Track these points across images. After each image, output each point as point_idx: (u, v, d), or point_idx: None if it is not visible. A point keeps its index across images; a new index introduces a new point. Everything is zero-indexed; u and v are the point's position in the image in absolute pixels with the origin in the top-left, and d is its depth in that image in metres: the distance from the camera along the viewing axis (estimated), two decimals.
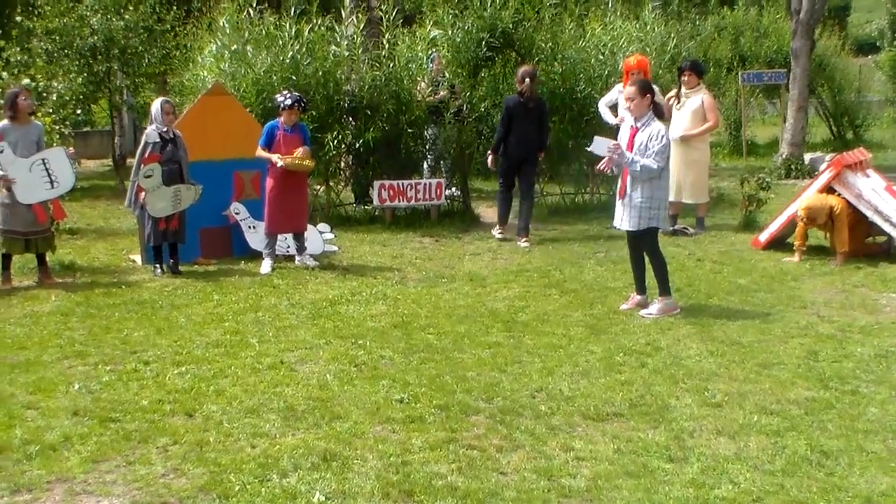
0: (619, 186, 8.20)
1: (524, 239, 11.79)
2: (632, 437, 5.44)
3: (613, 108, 12.59)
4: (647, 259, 8.38)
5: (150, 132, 9.89)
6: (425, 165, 14.05)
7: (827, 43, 24.64)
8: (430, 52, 13.79)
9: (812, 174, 17.19)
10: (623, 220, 8.19)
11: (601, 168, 8.29)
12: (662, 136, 7.94)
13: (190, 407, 5.93)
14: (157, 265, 9.95)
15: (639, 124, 8.05)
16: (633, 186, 8.02)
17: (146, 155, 9.80)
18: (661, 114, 8.40)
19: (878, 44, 49.11)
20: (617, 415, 5.80)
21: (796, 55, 18.47)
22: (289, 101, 10.12)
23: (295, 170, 10.06)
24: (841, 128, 24.85)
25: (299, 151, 10.03)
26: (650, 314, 8.15)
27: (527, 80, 11.75)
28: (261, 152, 10.11)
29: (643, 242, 8.29)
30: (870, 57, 40.90)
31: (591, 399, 6.06)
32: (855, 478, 4.90)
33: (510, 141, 11.83)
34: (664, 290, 8.29)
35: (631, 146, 8.01)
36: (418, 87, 13.45)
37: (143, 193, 9.73)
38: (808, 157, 18.97)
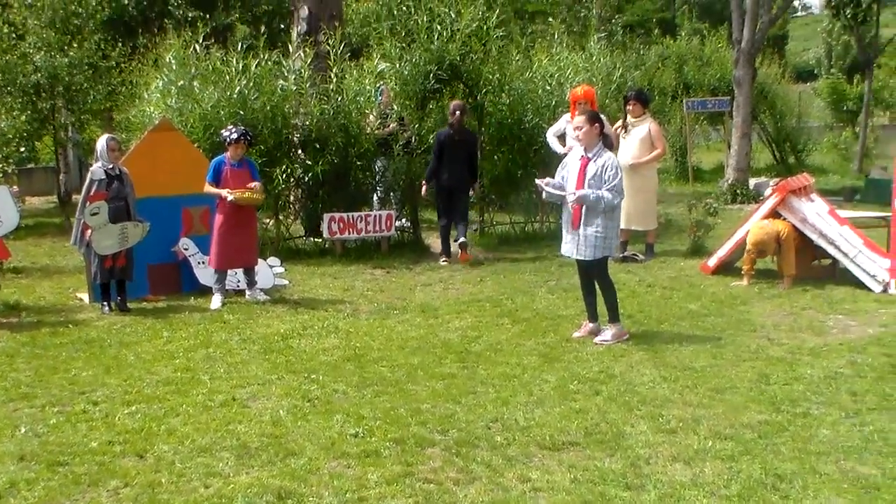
0: (569, 217, 8.19)
1: (444, 258, 12.46)
2: (588, 465, 5.43)
3: (561, 137, 12.70)
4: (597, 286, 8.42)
5: (96, 169, 9.78)
6: (375, 198, 14.04)
7: (768, 71, 25.07)
8: (378, 85, 13.81)
9: (757, 199, 17.46)
10: (576, 249, 8.19)
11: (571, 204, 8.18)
12: (617, 168, 8.01)
13: (141, 448, 5.82)
14: (105, 303, 9.81)
15: (589, 154, 8.08)
16: (588, 218, 8.03)
17: (92, 192, 9.68)
18: (611, 144, 8.49)
19: (815, 71, 50.17)
20: (573, 444, 5.79)
21: (739, 83, 18.78)
22: (234, 135, 10.08)
23: (244, 204, 10.00)
24: (783, 153, 25.29)
25: (253, 185, 9.98)
26: (605, 341, 8.17)
27: (457, 113, 12.41)
28: (209, 188, 10.04)
29: (595, 270, 8.32)
30: (808, 84, 41.74)
31: (546, 428, 6.04)
32: (809, 500, 4.93)
33: (442, 172, 12.48)
34: (615, 317, 8.33)
35: (582, 176, 8.04)
36: (367, 120, 13.46)
37: (90, 231, 9.60)
38: (752, 182, 19.27)
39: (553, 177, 8.40)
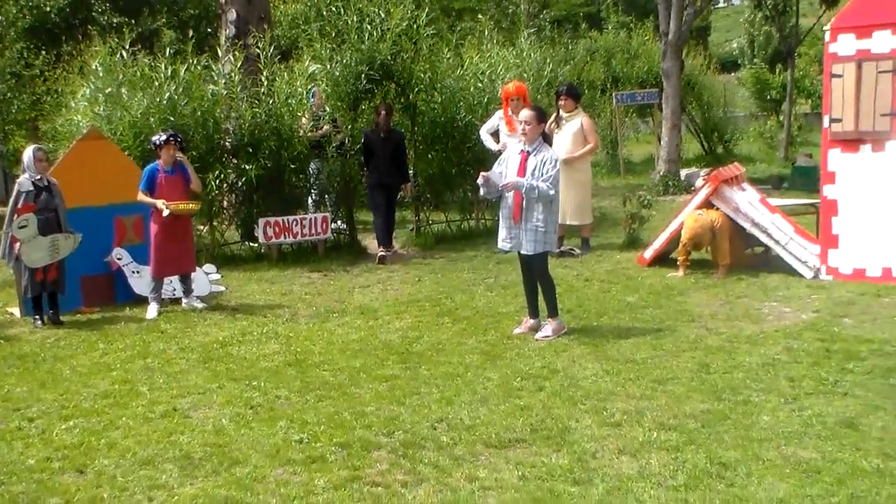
0: (510, 212, 8.23)
1: (381, 249, 12.65)
2: (535, 462, 5.45)
3: (495, 134, 12.74)
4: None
5: (24, 181, 9.58)
6: (310, 200, 13.95)
7: (693, 62, 25.41)
8: (310, 87, 13.72)
9: (688, 189, 17.70)
10: (519, 243, 8.23)
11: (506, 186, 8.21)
12: (556, 162, 8.12)
13: (81, 463, 5.71)
14: (37, 317, 9.62)
15: (530, 149, 8.16)
16: (530, 211, 8.09)
17: (20, 205, 9.47)
18: (549, 140, 8.58)
19: (738, 62, 50.95)
20: (519, 441, 5.81)
21: (667, 75, 19.01)
22: (163, 137, 9.95)
23: (180, 214, 9.88)
24: (711, 143, 25.67)
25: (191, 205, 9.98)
26: (546, 336, 8.21)
27: (382, 112, 12.61)
28: (143, 197, 9.88)
29: (536, 265, 8.36)
30: (732, 74, 42.43)
31: (492, 426, 6.05)
32: (754, 487, 4.99)
33: (371, 170, 12.88)
34: (554, 312, 8.39)
35: (523, 170, 8.11)
36: (300, 123, 13.36)
37: (18, 244, 9.40)
38: (683, 172, 19.52)
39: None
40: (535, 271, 8.42)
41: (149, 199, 9.86)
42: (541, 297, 8.46)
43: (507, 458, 5.55)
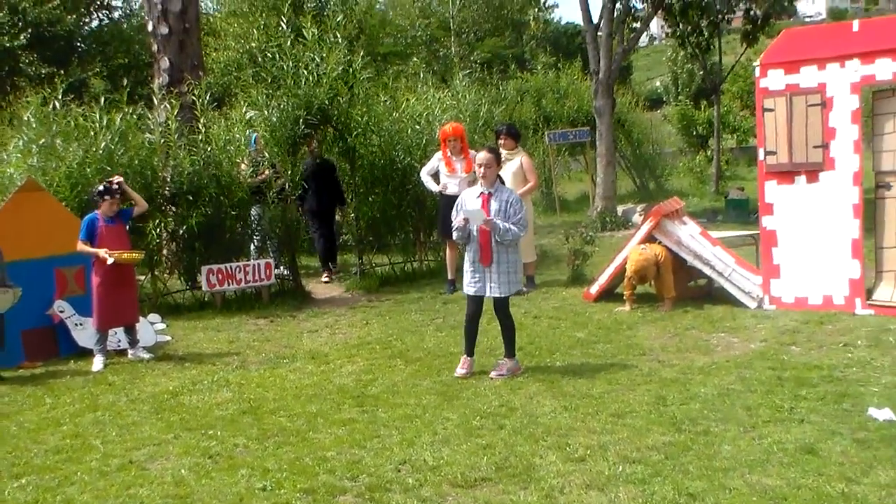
0: (476, 255, 8.24)
1: (326, 274, 14.20)
2: (504, 500, 5.44)
3: (434, 176, 12.78)
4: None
5: None
6: (252, 247, 13.87)
7: (622, 100, 25.83)
8: (250, 133, 13.66)
9: (626, 225, 17.93)
10: (488, 288, 8.23)
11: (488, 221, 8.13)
12: (521, 203, 8.24)
13: None
14: None
15: (490, 190, 8.23)
16: (501, 253, 8.14)
17: None
18: (502, 180, 8.69)
19: (663, 99, 51.96)
20: (485, 479, 5.79)
21: (600, 113, 19.28)
22: (100, 188, 9.83)
23: (123, 262, 9.75)
24: (644, 179, 26.03)
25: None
26: (501, 375, 8.21)
27: (313, 144, 14.09)
28: (83, 247, 9.72)
29: (503, 306, 8.38)
30: (657, 111, 43.22)
31: (456, 466, 6.03)
32: None
33: (309, 199, 14.09)
34: (512, 351, 8.42)
35: (486, 213, 8.13)
36: (239, 169, 13.29)
37: None
38: (620, 209, 19.77)
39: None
40: (500, 312, 8.40)
41: (90, 249, 9.70)
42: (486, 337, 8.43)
43: (475, 497, 5.53)
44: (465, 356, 8.51)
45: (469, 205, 8.27)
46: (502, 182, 8.51)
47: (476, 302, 8.40)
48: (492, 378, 8.19)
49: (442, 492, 5.65)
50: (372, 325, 11.09)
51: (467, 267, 8.36)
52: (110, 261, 9.57)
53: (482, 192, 8.27)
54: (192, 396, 8.31)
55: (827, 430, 6.29)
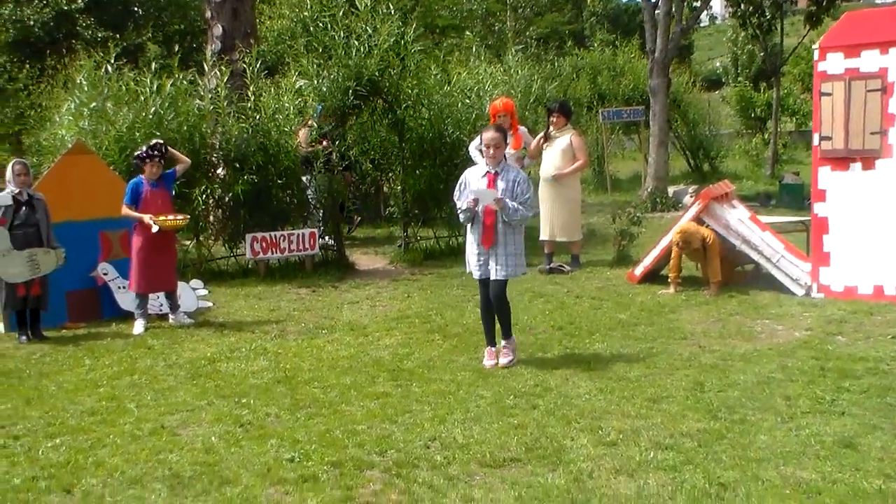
0: (479, 237, 7.84)
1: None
2: (531, 482, 5.36)
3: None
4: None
5: (3, 195, 9.44)
6: (320, 214, 13.87)
7: (679, 80, 25.46)
8: (318, 104, 13.58)
9: (676, 206, 17.69)
10: (493, 270, 7.81)
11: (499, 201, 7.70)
12: (528, 183, 7.85)
13: (67, 482, 5.58)
14: (22, 332, 9.48)
15: (497, 170, 7.81)
16: (508, 235, 7.77)
17: None
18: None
19: (722, 80, 51.23)
20: (514, 460, 5.72)
21: (654, 92, 19.04)
22: (144, 149, 9.86)
23: (168, 229, 9.80)
24: (698, 160, 25.67)
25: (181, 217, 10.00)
26: (511, 362, 7.90)
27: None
28: (128, 211, 9.78)
29: (504, 289, 7.96)
30: (716, 92, 42.64)
31: (486, 445, 5.96)
32: None
33: None
34: (510, 331, 8.08)
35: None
36: (298, 137, 13.29)
37: None
38: (671, 189, 19.52)
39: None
40: (498, 296, 7.93)
41: (135, 214, 9.76)
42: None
43: (502, 477, 5.45)
44: (488, 347, 8.11)
45: (475, 184, 7.83)
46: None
47: (485, 286, 7.98)
48: (503, 367, 7.84)
49: (469, 471, 5.58)
50: (413, 298, 11.05)
51: (472, 250, 7.95)
52: (155, 228, 9.61)
53: (488, 172, 7.84)
54: (229, 364, 8.32)
55: (868, 424, 6.11)
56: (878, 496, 5.01)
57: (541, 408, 6.69)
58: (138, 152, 10.00)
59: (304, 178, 13.54)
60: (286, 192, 13.37)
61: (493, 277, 7.85)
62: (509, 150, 12.17)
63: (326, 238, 13.76)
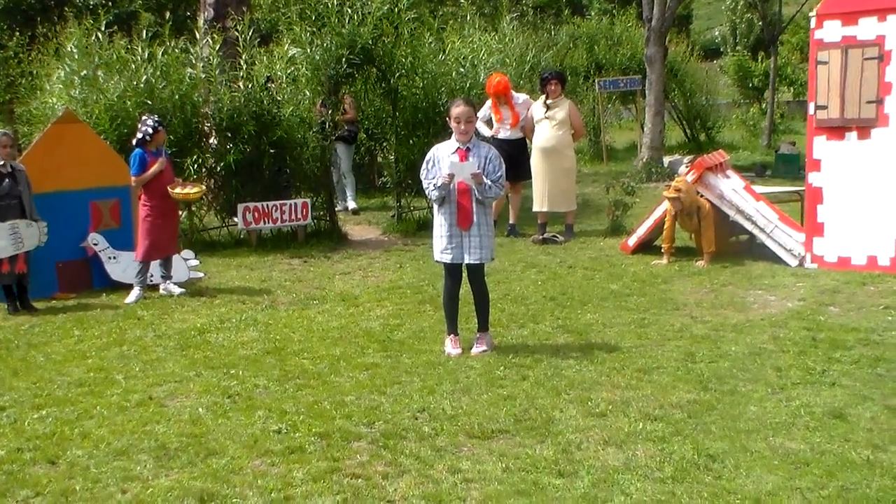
0: (453, 218, 7.32)
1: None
2: (519, 453, 5.32)
3: (488, 122, 12.65)
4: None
5: None
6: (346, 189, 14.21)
7: (676, 50, 25.31)
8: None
9: (671, 176, 17.59)
10: (468, 253, 7.34)
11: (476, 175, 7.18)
12: (500, 161, 7.41)
13: (53, 453, 5.54)
14: (10, 302, 9.42)
15: (469, 145, 7.33)
16: (481, 215, 7.32)
17: None
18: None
19: (721, 49, 50.99)
20: (502, 431, 5.68)
21: (651, 62, 18.91)
22: (151, 125, 9.77)
23: (190, 200, 9.87)
24: (694, 130, 25.56)
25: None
26: (483, 351, 7.41)
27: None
28: (142, 177, 9.71)
29: (481, 274, 7.57)
30: (714, 62, 42.43)
31: (474, 417, 5.92)
32: (742, 479, 4.88)
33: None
34: (487, 324, 7.64)
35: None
36: (318, 109, 13.23)
37: None
38: (666, 160, 19.45)
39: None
40: (477, 280, 7.53)
41: (149, 173, 9.66)
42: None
43: (490, 449, 5.42)
44: (450, 335, 7.60)
45: (447, 160, 7.28)
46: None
47: (455, 271, 7.52)
48: (473, 355, 7.38)
49: (457, 442, 5.54)
50: (405, 269, 11.00)
51: (442, 232, 7.39)
52: (176, 189, 9.64)
53: (459, 148, 7.30)
54: (219, 334, 8.28)
55: (858, 395, 6.09)
56: (866, 466, 4.98)
57: (531, 379, 6.65)
58: (145, 128, 9.79)
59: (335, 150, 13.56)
60: (278, 162, 13.20)
61: (469, 261, 7.39)
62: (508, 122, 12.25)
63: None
